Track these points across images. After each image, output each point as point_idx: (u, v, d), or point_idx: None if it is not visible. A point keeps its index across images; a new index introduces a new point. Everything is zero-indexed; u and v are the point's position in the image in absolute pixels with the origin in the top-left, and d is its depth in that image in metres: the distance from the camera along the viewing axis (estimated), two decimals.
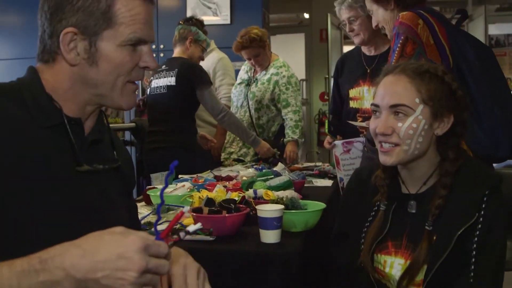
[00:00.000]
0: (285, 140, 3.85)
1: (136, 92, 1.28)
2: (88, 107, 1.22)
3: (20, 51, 5.69)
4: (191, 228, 1.02)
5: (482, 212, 1.47)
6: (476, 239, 1.45)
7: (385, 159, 1.55)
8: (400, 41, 2.11)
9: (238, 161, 3.84)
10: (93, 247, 0.89)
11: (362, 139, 2.89)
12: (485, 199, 1.48)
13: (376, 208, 1.63)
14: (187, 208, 1.04)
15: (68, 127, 1.16)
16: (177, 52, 3.71)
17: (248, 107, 3.94)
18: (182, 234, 1.01)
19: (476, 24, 6.73)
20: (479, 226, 1.46)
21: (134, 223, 1.39)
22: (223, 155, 4.03)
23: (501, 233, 1.49)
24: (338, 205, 1.84)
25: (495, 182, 1.52)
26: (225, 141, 4.10)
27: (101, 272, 0.87)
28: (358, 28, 3.03)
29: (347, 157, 2.94)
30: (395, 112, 1.51)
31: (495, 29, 8.04)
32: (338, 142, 2.96)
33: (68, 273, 0.87)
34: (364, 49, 3.18)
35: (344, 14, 3.08)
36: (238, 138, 3.95)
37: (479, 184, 1.51)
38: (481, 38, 6.23)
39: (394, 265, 1.55)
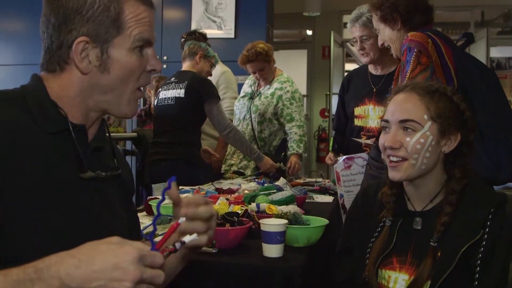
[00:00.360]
0: (288, 153, 3.85)
1: (138, 101, 1.30)
2: (92, 114, 1.23)
3: (22, 57, 5.72)
4: (187, 238, 1.02)
5: (487, 230, 1.49)
6: (480, 255, 1.47)
7: (394, 175, 1.57)
8: (414, 53, 2.12)
9: (238, 173, 3.84)
10: (88, 257, 0.89)
11: (364, 154, 2.89)
12: (490, 216, 1.50)
13: (382, 224, 1.65)
14: (182, 219, 1.03)
15: (73, 134, 1.16)
16: (186, 66, 3.73)
17: (251, 120, 3.95)
18: (177, 244, 1.00)
19: (478, 47, 6.77)
20: (484, 243, 1.48)
21: (134, 231, 1.39)
22: (223, 167, 4.03)
23: (505, 251, 1.50)
24: (343, 221, 1.84)
25: (501, 201, 1.54)
26: (226, 153, 4.11)
27: (96, 282, 0.87)
28: (369, 48, 3.03)
29: (347, 173, 2.94)
30: (404, 127, 1.55)
31: (496, 52, 8.10)
32: (339, 158, 2.97)
33: (63, 283, 0.87)
34: (371, 68, 3.18)
35: (357, 32, 3.07)
36: (238, 151, 3.95)
37: (485, 202, 1.53)
38: (483, 61, 6.26)
39: (398, 280, 1.56)
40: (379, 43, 2.50)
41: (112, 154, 1.33)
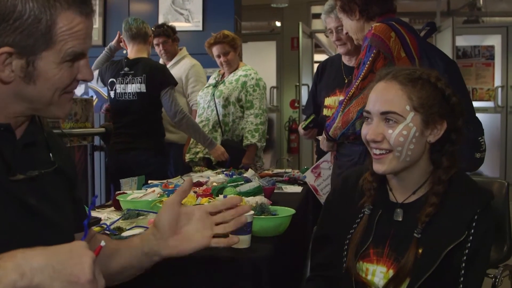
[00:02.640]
0: (243, 144, 3.87)
1: (71, 99, 1.21)
2: (20, 118, 1.16)
3: None
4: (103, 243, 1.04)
5: (472, 231, 1.45)
6: (465, 258, 1.43)
7: (378, 168, 1.52)
8: (372, 55, 2.12)
9: (206, 160, 3.87)
10: (45, 249, 0.92)
11: (326, 157, 2.93)
12: (476, 217, 1.46)
13: (361, 214, 1.60)
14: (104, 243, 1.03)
15: None
16: (135, 50, 3.66)
17: (215, 105, 3.94)
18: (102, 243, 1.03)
19: (444, 36, 6.85)
20: (468, 245, 1.44)
21: (78, 221, 1.31)
22: (187, 156, 4.02)
23: (489, 250, 1.49)
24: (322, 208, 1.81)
25: (487, 200, 1.50)
26: (190, 142, 4.10)
27: (55, 274, 0.90)
28: (345, 38, 3.01)
29: (320, 181, 2.97)
30: (386, 119, 1.49)
31: (462, 41, 8.22)
32: (307, 172, 3.01)
33: (19, 265, 0.88)
34: (345, 59, 3.18)
35: (331, 23, 3.07)
36: None
37: (471, 200, 1.49)
38: (449, 49, 6.35)
39: (376, 273, 1.52)
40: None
41: (47, 148, 1.26)
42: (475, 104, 2.34)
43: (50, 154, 1.25)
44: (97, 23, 5.57)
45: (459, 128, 1.53)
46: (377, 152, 1.51)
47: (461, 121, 1.53)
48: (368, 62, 2.12)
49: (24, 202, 1.13)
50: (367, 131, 1.53)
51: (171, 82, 3.55)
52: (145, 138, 3.53)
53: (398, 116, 1.47)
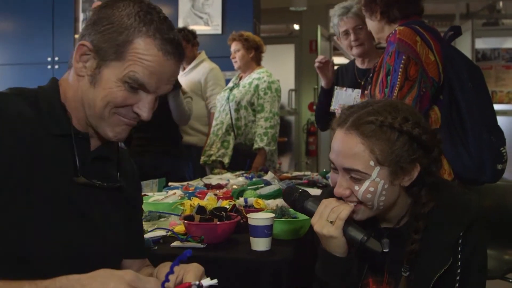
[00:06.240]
0: (253, 148, 3.88)
1: (126, 126, 1.26)
2: (90, 128, 1.26)
3: (9, 57, 5.68)
4: (205, 282, 1.05)
5: (459, 256, 1.39)
6: (457, 285, 1.40)
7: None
8: (402, 61, 2.07)
9: (220, 164, 3.90)
10: None
11: None
12: (460, 241, 1.40)
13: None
14: (189, 252, 1.05)
15: (73, 139, 1.20)
16: None
17: (229, 109, 3.96)
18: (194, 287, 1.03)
19: (463, 38, 6.81)
20: (458, 270, 1.39)
21: (133, 248, 1.44)
22: (202, 158, 4.04)
23: (480, 269, 1.44)
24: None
25: (470, 219, 1.41)
26: (205, 144, 4.13)
27: None
28: (363, 37, 3.02)
29: None
30: (350, 176, 1.39)
31: (481, 43, 8.15)
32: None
33: None
34: (358, 62, 3.19)
35: (349, 23, 3.06)
36: (217, 140, 3.96)
37: (453, 224, 1.41)
38: (468, 52, 6.32)
39: None
40: (368, 28, 2.50)
41: (117, 168, 1.35)
42: (495, 107, 2.28)
43: (118, 173, 1.33)
44: None
45: (436, 160, 1.43)
46: (350, 203, 1.42)
47: (437, 151, 1.42)
48: (401, 70, 2.06)
49: (77, 205, 1.20)
50: (335, 182, 1.44)
51: (178, 85, 3.64)
52: (161, 141, 3.60)
53: (362, 173, 1.37)
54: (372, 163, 1.36)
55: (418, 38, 2.11)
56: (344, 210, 1.38)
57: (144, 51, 1.18)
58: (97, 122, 1.23)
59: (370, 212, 1.43)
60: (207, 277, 1.14)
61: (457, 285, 1.40)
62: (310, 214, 1.45)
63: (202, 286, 1.03)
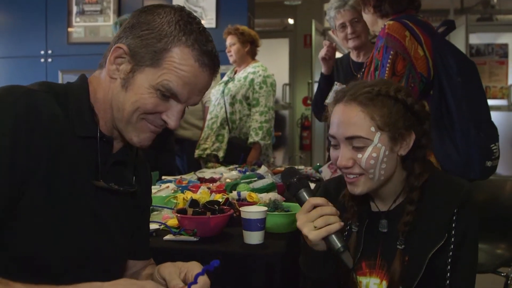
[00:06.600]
0: (248, 142, 3.89)
1: (152, 134, 1.26)
2: (115, 131, 1.25)
3: (2, 50, 5.65)
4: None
5: (453, 232, 1.44)
6: (450, 260, 1.44)
7: (352, 189, 1.49)
8: (390, 57, 2.08)
9: (214, 157, 3.89)
10: None
11: None
12: (454, 218, 1.45)
13: (348, 227, 1.58)
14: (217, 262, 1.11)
15: (98, 142, 1.20)
16: None
17: (224, 103, 3.96)
18: None
19: (458, 34, 6.82)
20: (451, 247, 1.44)
21: (139, 250, 1.46)
22: (196, 152, 4.04)
23: (473, 248, 1.48)
24: None
25: (464, 197, 1.47)
26: (200, 138, 4.13)
27: None
28: (360, 30, 3.04)
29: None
30: (353, 143, 1.45)
31: (476, 39, 8.16)
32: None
33: None
34: (353, 55, 3.20)
35: (346, 16, 3.07)
36: (212, 134, 3.96)
37: (448, 200, 1.47)
38: (462, 47, 6.33)
39: (369, 285, 1.52)
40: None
41: (133, 172, 1.35)
42: (489, 102, 2.25)
43: (134, 178, 1.34)
44: (110, 20, 5.60)
45: (427, 132, 1.51)
46: (351, 176, 1.48)
47: (427, 124, 1.51)
48: (388, 65, 2.08)
49: (93, 207, 1.21)
50: (336, 156, 1.49)
51: None
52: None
53: (365, 139, 1.43)
54: (373, 129, 1.43)
55: (407, 33, 2.11)
56: (335, 225, 1.37)
57: (181, 60, 1.17)
58: (124, 126, 1.22)
59: (371, 184, 1.48)
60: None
61: (449, 260, 1.44)
62: (301, 204, 1.46)
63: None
